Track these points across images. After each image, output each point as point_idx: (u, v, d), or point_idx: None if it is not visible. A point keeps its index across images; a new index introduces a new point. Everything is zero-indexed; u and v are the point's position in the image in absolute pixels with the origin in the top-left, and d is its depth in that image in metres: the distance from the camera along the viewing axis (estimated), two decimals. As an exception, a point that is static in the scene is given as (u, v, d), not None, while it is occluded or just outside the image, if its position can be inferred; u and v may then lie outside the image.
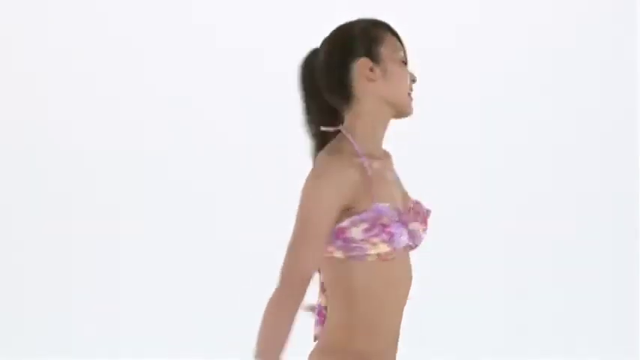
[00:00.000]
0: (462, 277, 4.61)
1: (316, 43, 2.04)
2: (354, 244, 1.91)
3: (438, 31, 4.72)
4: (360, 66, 1.96)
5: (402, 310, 2.01)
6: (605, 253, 4.80)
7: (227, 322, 4.49)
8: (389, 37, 1.98)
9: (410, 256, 2.02)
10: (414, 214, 2.01)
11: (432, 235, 2.13)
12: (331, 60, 1.99)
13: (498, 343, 4.74)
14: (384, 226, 1.91)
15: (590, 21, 4.78)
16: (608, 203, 4.81)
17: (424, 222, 2.02)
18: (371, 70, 1.96)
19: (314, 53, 2.04)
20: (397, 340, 2.02)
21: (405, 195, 2.06)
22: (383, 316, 1.97)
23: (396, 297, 1.99)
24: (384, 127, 2.00)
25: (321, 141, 2.05)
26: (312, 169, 1.93)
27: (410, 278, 2.02)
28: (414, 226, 2.00)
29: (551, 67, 4.78)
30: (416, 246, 2.02)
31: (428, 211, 2.05)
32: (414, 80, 2.00)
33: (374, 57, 1.97)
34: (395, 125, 2.03)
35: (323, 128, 2.04)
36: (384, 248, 1.92)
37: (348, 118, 2.00)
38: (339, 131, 2.01)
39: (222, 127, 4.65)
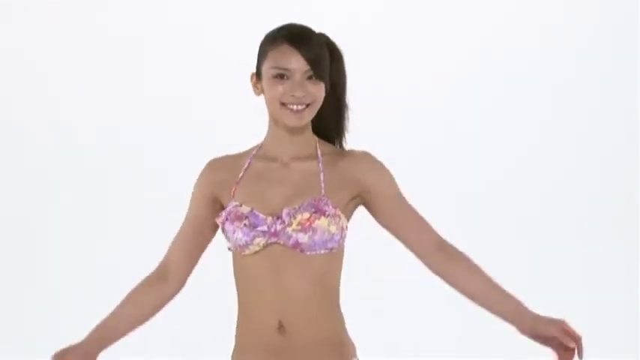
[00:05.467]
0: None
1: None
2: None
3: (441, 32, 4.74)
4: (251, 80, 2.12)
5: (275, 305, 2.03)
6: (606, 253, 4.81)
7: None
8: (275, 51, 2.04)
9: (288, 252, 2.02)
10: (287, 215, 2.01)
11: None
12: None
13: (498, 343, 4.74)
14: (222, 223, 2.07)
15: (592, 24, 4.80)
16: (608, 203, 4.82)
17: (300, 223, 2.00)
18: (256, 84, 2.11)
19: None
20: (283, 335, 2.02)
21: (293, 196, 2.05)
22: (251, 309, 2.07)
23: (259, 291, 2.05)
24: (285, 133, 2.08)
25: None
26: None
27: (281, 273, 2.03)
28: (267, 225, 2.02)
29: (554, 69, 4.80)
30: (290, 245, 2.00)
31: (316, 211, 2.01)
32: (293, 94, 2.03)
33: (258, 73, 2.10)
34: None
35: None
36: (228, 243, 2.08)
37: None
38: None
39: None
